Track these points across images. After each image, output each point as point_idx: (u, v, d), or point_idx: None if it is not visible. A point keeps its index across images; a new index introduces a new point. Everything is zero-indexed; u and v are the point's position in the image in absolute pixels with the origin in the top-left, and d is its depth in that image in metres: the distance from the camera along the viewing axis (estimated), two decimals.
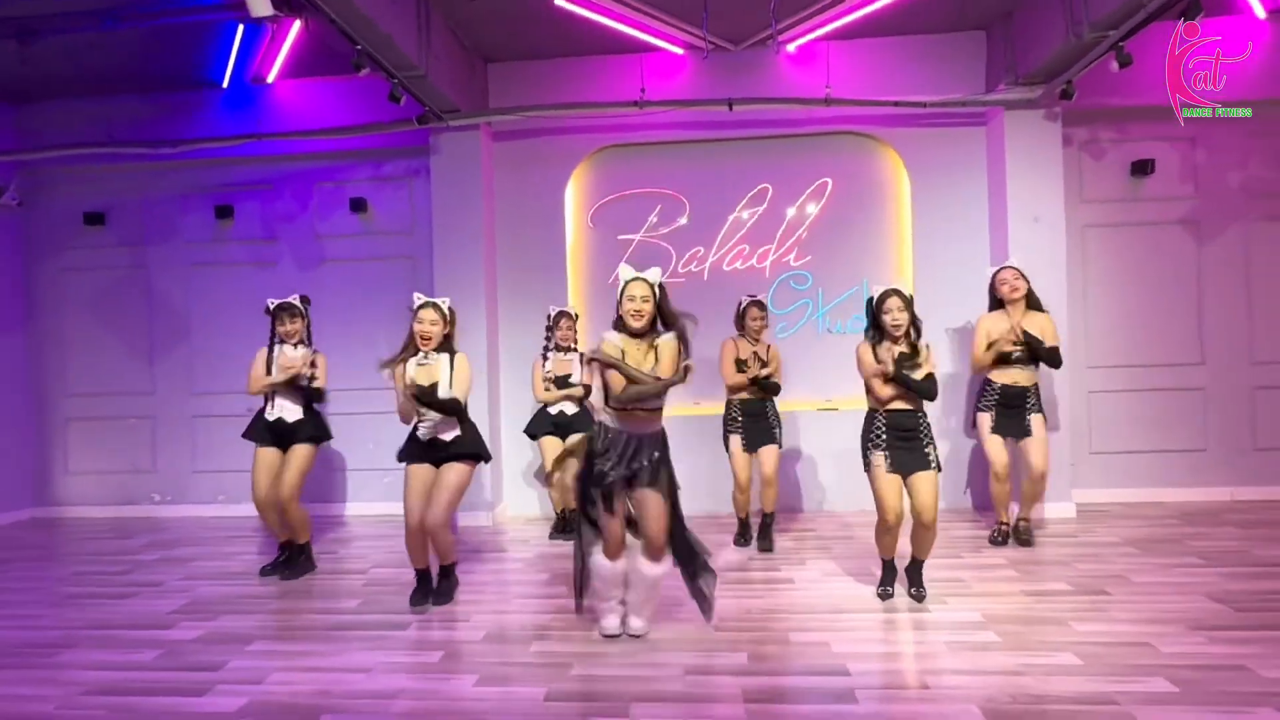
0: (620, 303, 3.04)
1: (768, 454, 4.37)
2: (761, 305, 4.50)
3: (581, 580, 3.18)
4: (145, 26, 4.31)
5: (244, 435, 4.23)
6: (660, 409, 3.06)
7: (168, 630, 3.39)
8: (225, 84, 5.55)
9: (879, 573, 3.63)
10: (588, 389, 4.80)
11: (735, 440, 4.41)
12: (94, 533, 5.44)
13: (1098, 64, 4.39)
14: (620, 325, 3.04)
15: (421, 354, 3.49)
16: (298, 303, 4.16)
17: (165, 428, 5.96)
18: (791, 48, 5.33)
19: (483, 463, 3.65)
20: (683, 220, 5.59)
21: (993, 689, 2.57)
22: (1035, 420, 4.30)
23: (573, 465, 4.56)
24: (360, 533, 5.22)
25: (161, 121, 5.65)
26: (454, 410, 3.49)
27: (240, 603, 3.75)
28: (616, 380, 2.94)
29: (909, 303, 3.39)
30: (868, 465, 3.45)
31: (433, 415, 3.49)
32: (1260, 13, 4.99)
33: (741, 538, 4.52)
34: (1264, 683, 2.54)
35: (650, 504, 3.01)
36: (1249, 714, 2.35)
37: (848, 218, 5.54)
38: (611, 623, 3.15)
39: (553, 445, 4.75)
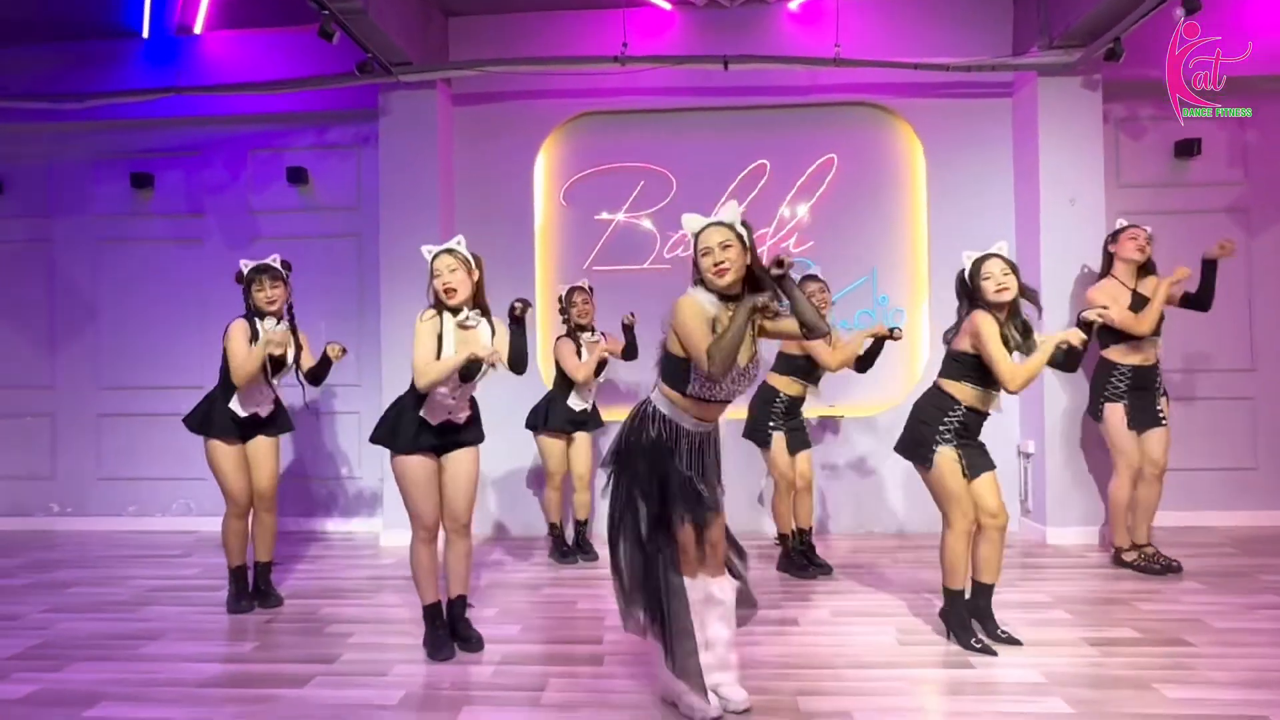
0: (696, 261, 2.25)
1: (805, 459, 3.83)
2: (817, 279, 3.84)
3: (667, 622, 2.20)
4: None
5: (196, 429, 3.36)
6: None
7: None
8: (145, 34, 4.83)
9: (907, 613, 2.92)
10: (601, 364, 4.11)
11: (779, 439, 3.71)
12: None
13: (1156, 14, 3.78)
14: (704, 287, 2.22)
15: (464, 314, 2.73)
16: (278, 265, 3.38)
17: (67, 427, 5.17)
18: (794, 4, 4.71)
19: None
20: (669, 199, 4.91)
21: None
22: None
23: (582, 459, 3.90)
24: (289, 552, 4.42)
25: (72, 73, 4.90)
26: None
27: (102, 645, 2.97)
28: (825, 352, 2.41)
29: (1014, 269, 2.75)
30: (930, 462, 2.76)
31: (459, 394, 2.77)
32: None
33: (791, 565, 3.80)
34: None
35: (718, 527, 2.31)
36: None
37: (856, 199, 4.89)
38: (741, 694, 2.27)
39: (557, 448, 4.08)
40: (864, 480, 4.80)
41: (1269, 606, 3.21)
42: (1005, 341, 2.67)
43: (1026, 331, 2.75)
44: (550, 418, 4.09)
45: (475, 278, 2.79)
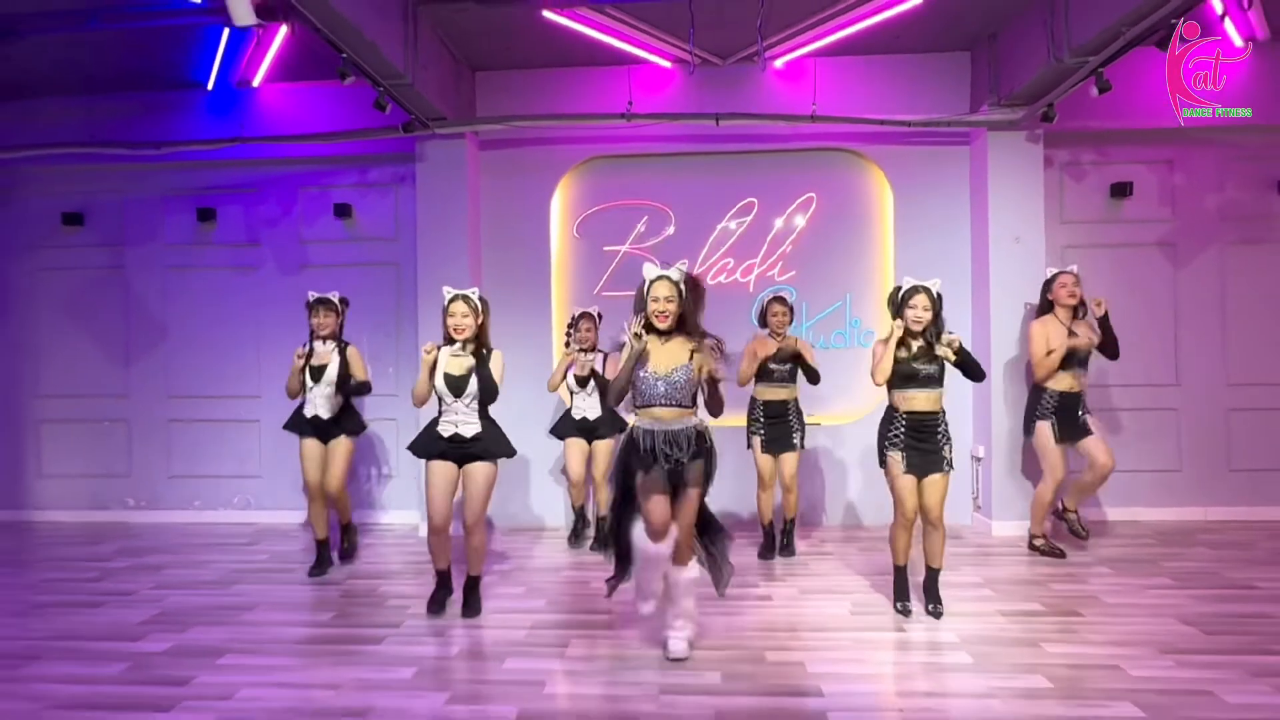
0: (645, 303, 3.00)
1: (789, 460, 4.46)
2: (784, 301, 4.52)
3: (620, 552, 3.10)
4: (127, 28, 4.26)
5: (285, 427, 4.44)
6: (687, 405, 2.99)
7: (136, 642, 3.34)
8: (210, 86, 5.49)
9: (865, 590, 3.64)
10: (602, 381, 4.73)
11: (757, 442, 4.48)
12: (65, 538, 5.35)
13: (1079, 88, 4.45)
14: (648, 327, 3.00)
15: (458, 344, 3.50)
16: (334, 299, 4.37)
17: (140, 431, 5.88)
18: (779, 63, 5.37)
19: (506, 458, 3.66)
20: (669, 232, 5.60)
21: (963, 713, 2.58)
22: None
23: (601, 462, 4.60)
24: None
25: (144, 121, 5.58)
26: (487, 394, 3.52)
27: (211, 614, 3.69)
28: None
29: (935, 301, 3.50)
30: (883, 463, 3.53)
31: (457, 409, 3.50)
32: (1238, 41, 5.07)
33: (768, 550, 4.55)
34: (1229, 709, 2.57)
35: (685, 504, 2.99)
36: None
37: (832, 233, 5.57)
38: (681, 646, 3.04)
39: (578, 448, 4.76)
40: (834, 482, 5.51)
41: (1160, 587, 3.92)
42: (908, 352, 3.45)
43: (930, 348, 3.44)
44: (559, 425, 4.85)
45: (480, 321, 3.54)
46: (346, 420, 4.35)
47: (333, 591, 4.06)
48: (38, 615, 3.72)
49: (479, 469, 3.54)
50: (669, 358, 2.97)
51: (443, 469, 3.52)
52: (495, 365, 3.56)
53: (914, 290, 3.46)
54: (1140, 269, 5.53)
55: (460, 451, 3.54)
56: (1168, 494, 5.51)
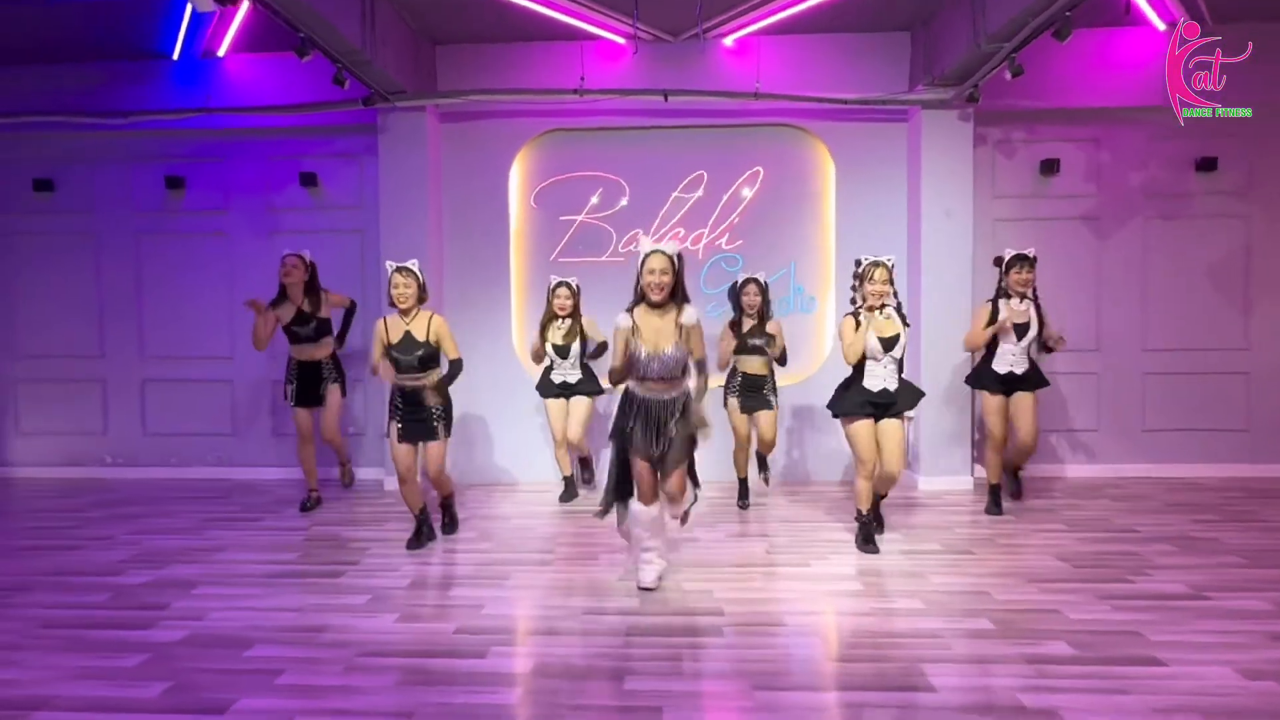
0: (640, 275, 3.28)
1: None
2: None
3: (616, 486, 3.42)
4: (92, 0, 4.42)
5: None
6: (678, 378, 3.30)
7: (118, 576, 3.67)
8: (176, 56, 5.65)
9: (776, 536, 4.03)
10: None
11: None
12: (43, 493, 5.64)
13: (998, 71, 4.74)
14: (639, 300, 3.30)
15: (558, 320, 4.90)
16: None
17: (115, 391, 6.14)
18: (729, 41, 5.60)
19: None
20: (623, 203, 5.87)
21: (841, 627, 2.98)
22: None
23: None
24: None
25: (111, 90, 5.74)
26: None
27: (185, 554, 4.03)
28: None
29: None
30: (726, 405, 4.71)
31: (565, 366, 4.90)
32: (1160, 25, 5.37)
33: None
34: (1067, 622, 2.99)
35: (670, 477, 3.33)
36: (1043, 645, 2.79)
37: (778, 205, 5.87)
38: (650, 576, 3.35)
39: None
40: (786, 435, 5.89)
41: (1050, 531, 4.34)
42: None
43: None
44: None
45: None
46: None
47: (298, 537, 4.40)
48: (22, 556, 4.04)
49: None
50: (660, 334, 3.25)
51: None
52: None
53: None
54: (1066, 241, 5.88)
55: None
56: (1086, 453, 5.94)
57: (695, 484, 3.52)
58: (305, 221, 5.99)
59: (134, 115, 5.55)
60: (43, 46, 5.56)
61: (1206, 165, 5.73)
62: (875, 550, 3.90)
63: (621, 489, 3.44)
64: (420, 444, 4.00)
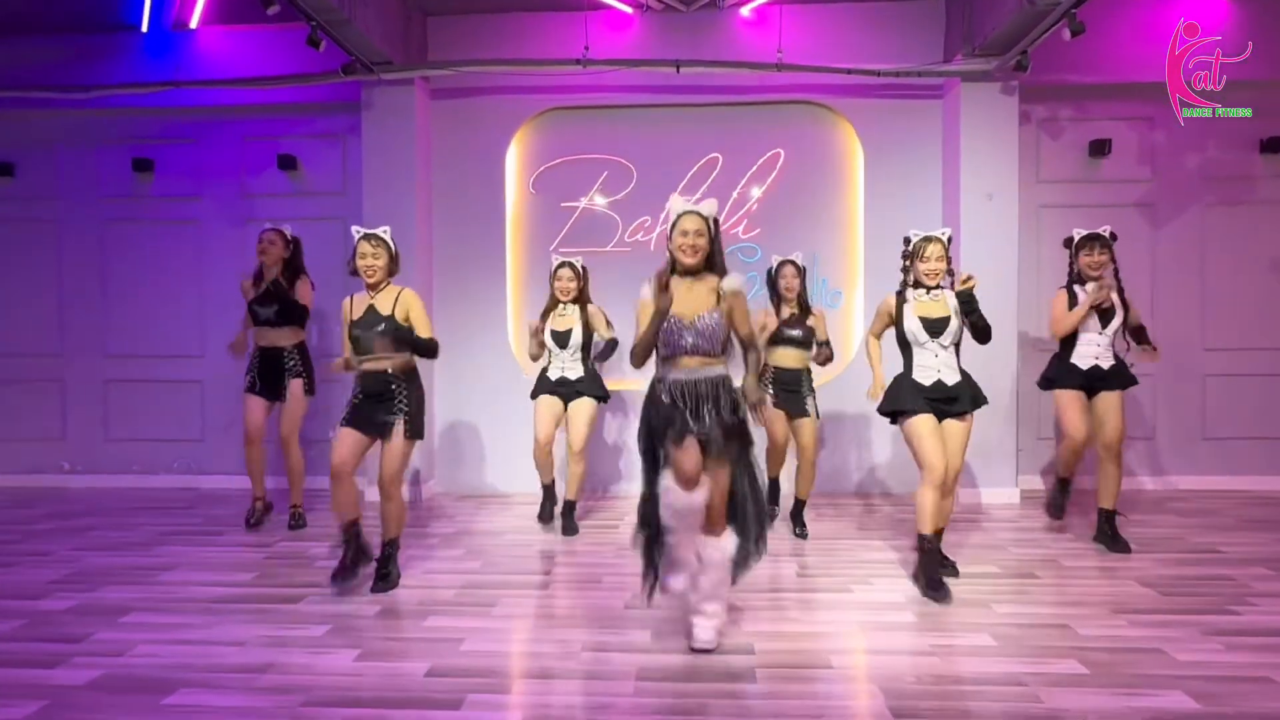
0: (670, 238, 2.66)
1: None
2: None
3: (652, 551, 2.62)
4: None
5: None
6: (716, 354, 2.61)
7: (39, 600, 3.14)
8: (144, 28, 5.20)
9: (807, 555, 3.47)
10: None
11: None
12: None
13: (1053, 34, 4.23)
14: (670, 266, 2.62)
15: (560, 306, 4.28)
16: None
17: (76, 393, 5.63)
18: (745, 10, 5.12)
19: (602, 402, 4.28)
20: (630, 188, 5.37)
21: (899, 669, 2.43)
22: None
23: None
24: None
25: (75, 66, 5.27)
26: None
27: (126, 574, 3.49)
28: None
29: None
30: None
31: (564, 357, 4.23)
32: None
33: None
34: (1178, 665, 2.43)
35: (717, 473, 2.58)
36: (1158, 696, 2.22)
37: (800, 191, 5.36)
38: (708, 633, 2.58)
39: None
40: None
41: (1114, 553, 3.78)
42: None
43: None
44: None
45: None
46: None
47: (260, 554, 3.86)
48: None
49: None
50: (695, 302, 2.60)
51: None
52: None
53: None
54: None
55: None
56: (1139, 463, 5.38)
57: (760, 517, 2.68)
58: (284, 208, 5.47)
59: (95, 90, 5.08)
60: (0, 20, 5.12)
61: (1272, 146, 5.21)
62: (946, 597, 3.03)
63: (654, 543, 2.62)
64: (379, 441, 3.25)
